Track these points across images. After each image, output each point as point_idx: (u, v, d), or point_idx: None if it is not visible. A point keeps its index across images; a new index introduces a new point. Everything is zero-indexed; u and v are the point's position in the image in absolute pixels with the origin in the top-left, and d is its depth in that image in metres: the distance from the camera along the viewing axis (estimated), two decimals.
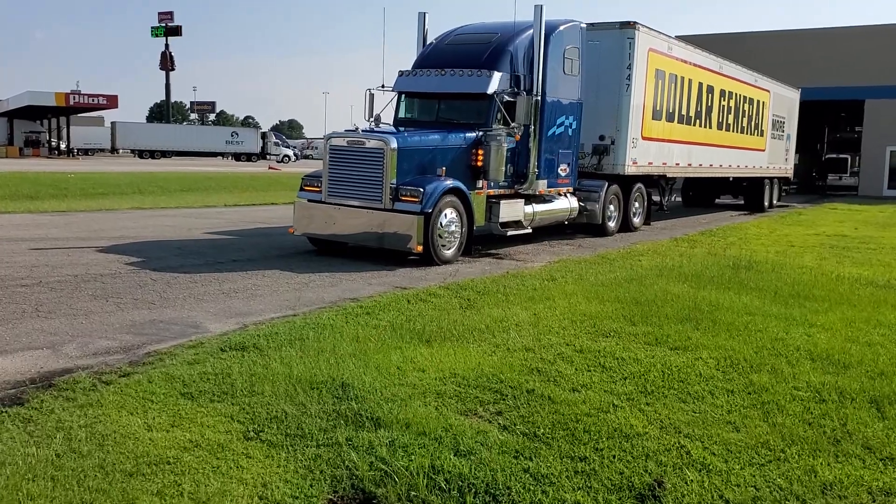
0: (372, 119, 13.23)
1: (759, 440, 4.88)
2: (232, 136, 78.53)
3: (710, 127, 20.73)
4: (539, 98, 13.02)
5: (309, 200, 12.10)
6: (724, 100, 21.47)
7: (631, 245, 14.61)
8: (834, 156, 45.31)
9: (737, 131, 22.87)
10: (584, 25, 14.45)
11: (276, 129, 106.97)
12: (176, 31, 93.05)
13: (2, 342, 6.32)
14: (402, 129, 12.89)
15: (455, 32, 14.03)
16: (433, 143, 11.87)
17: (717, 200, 28.10)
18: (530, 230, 13.56)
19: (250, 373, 5.62)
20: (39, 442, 4.28)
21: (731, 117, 22.17)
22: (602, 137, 15.98)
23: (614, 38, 15.86)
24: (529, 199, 13.46)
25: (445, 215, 11.35)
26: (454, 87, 12.59)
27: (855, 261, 13.13)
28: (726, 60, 21.43)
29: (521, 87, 12.81)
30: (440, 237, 11.29)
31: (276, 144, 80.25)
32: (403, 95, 13.58)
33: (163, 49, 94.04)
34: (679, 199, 26.26)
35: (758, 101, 24.46)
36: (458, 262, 11.67)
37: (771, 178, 27.09)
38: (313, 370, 5.70)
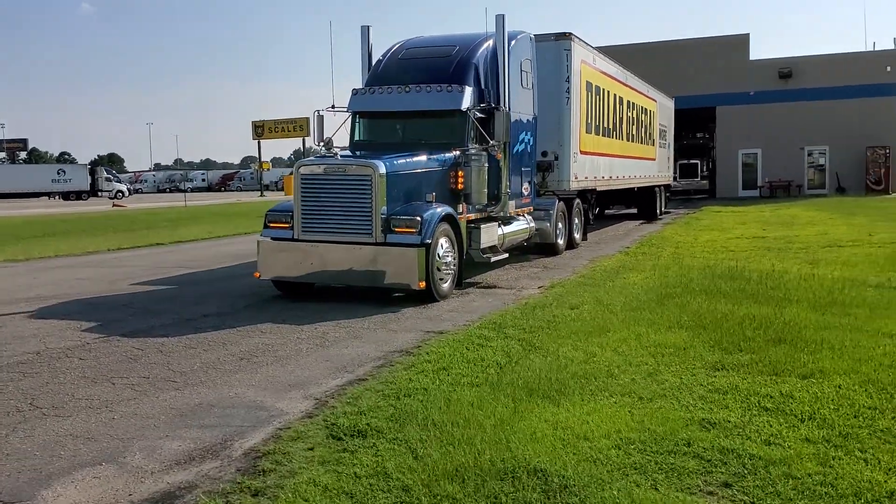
0: (323, 143, 11.88)
1: None
2: (58, 173, 72.11)
3: (623, 139, 20.74)
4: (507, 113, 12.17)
5: (274, 239, 10.61)
6: (630, 111, 21.59)
7: (593, 262, 14.08)
8: (685, 161, 47.60)
9: (638, 142, 23.08)
10: (533, 36, 13.81)
11: (96, 164, 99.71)
12: None
13: (36, 461, 4.66)
14: (359, 152, 11.63)
15: (406, 46, 12.88)
16: (419, 167, 10.70)
17: (606, 211, 28.26)
18: (507, 255, 12.68)
19: (407, 467, 4.42)
20: None
21: (634, 128, 22.33)
22: (545, 153, 15.33)
23: (551, 50, 15.29)
24: (499, 221, 12.57)
25: (441, 245, 10.22)
26: (423, 105, 11.48)
27: (812, 261, 13.17)
28: (629, 72, 21.57)
29: (490, 102, 11.91)
30: (438, 270, 10.16)
31: (108, 180, 74.96)
32: (358, 116, 12.30)
33: None
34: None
35: (650, 111, 24.89)
36: (453, 295, 10.59)
37: (660, 186, 27.67)
38: (480, 455, 4.57)
